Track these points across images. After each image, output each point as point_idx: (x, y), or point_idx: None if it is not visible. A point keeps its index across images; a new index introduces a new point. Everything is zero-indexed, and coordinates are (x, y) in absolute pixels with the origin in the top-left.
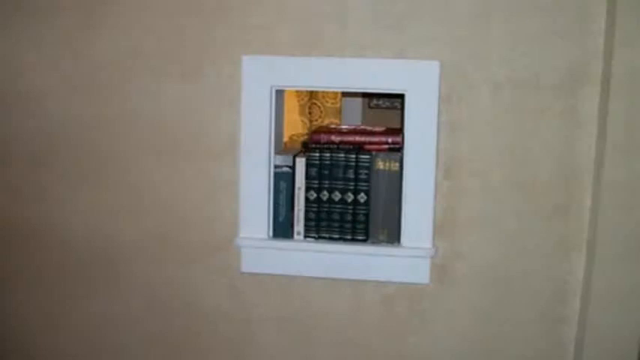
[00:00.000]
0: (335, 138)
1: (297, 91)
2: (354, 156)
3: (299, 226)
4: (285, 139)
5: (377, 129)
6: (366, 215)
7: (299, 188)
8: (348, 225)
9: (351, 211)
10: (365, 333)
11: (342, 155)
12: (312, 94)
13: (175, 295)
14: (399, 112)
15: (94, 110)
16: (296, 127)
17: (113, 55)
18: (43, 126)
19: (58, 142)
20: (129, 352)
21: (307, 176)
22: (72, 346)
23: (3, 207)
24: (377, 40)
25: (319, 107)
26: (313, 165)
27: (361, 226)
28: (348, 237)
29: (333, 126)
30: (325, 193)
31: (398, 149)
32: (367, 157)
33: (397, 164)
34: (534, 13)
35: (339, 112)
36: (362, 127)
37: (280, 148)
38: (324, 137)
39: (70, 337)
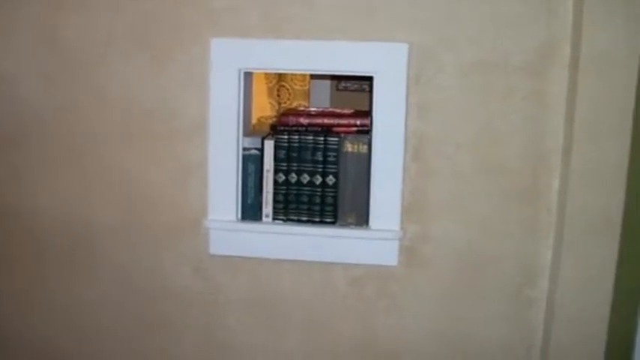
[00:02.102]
0: (303, 120)
1: (265, 74)
2: (322, 138)
3: (267, 208)
4: (254, 121)
5: (345, 111)
6: (335, 197)
7: (267, 171)
8: (317, 207)
9: (319, 194)
10: (333, 315)
11: (311, 137)
12: (280, 77)
13: (146, 276)
14: (368, 94)
15: (65, 94)
16: (264, 109)
17: (84, 38)
18: (16, 110)
19: (30, 126)
20: (101, 334)
21: (276, 158)
22: (46, 328)
23: None
24: (345, 22)
25: (288, 90)
26: (282, 147)
27: (330, 208)
28: (317, 219)
29: (301, 108)
30: (294, 175)
31: (366, 131)
32: (335, 139)
33: (366, 146)
34: None
35: (307, 95)
36: (330, 109)
37: (249, 130)
38: (292, 119)
39: (45, 319)
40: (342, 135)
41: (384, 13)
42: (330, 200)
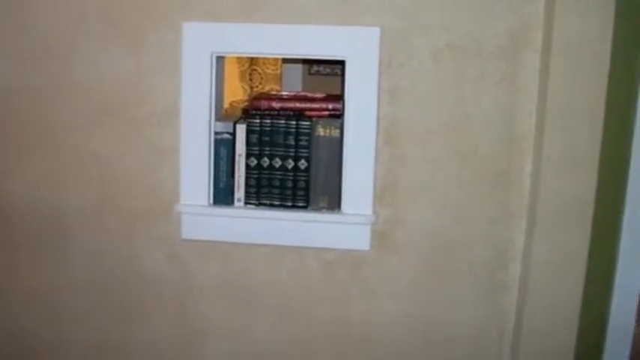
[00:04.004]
0: (275, 104)
1: (237, 58)
2: (294, 122)
3: (239, 192)
4: (226, 105)
5: (317, 95)
6: (307, 182)
7: (239, 155)
8: (289, 192)
9: (291, 178)
10: (306, 299)
11: (283, 122)
12: (252, 61)
13: (119, 261)
14: (340, 78)
15: (36, 78)
16: (236, 93)
17: (55, 22)
18: None
19: (1, 110)
20: (74, 318)
21: (248, 143)
22: (19, 313)
23: None
24: (318, 6)
25: (260, 74)
26: (254, 131)
27: (302, 192)
28: (289, 204)
29: (273, 92)
30: (266, 159)
31: (338, 116)
32: (307, 123)
33: (337, 131)
34: None
35: (279, 79)
36: (302, 93)
37: (221, 114)
38: (264, 104)
39: (17, 304)
40: (314, 119)
41: None
42: (302, 184)
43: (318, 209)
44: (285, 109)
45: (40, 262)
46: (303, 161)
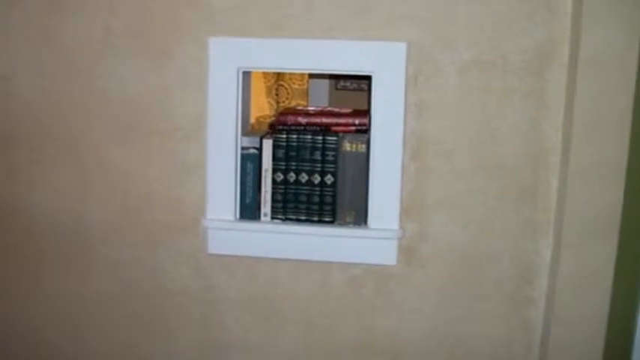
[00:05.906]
0: (302, 119)
1: (264, 73)
2: (321, 137)
3: (266, 207)
4: (252, 120)
5: (344, 110)
6: (333, 197)
7: (266, 170)
8: (315, 207)
9: (318, 193)
10: (331, 314)
11: (309, 137)
12: (279, 76)
13: (143, 275)
14: (366, 93)
15: (62, 91)
16: (263, 108)
17: (81, 36)
18: (12, 107)
19: (27, 124)
20: (98, 331)
21: (274, 158)
22: (43, 325)
23: None
24: (343, 21)
25: (286, 89)
26: (280, 146)
27: (328, 207)
28: (315, 219)
29: (300, 107)
30: (292, 174)
31: (365, 131)
32: (334, 138)
33: (364, 146)
34: None
35: (306, 94)
36: (329, 108)
37: (247, 129)
38: (291, 119)
39: (41, 316)
40: (341, 134)
41: (383, 12)
42: (328, 199)
43: (345, 224)
44: (312, 124)
45: (63, 273)
46: (329, 176)
